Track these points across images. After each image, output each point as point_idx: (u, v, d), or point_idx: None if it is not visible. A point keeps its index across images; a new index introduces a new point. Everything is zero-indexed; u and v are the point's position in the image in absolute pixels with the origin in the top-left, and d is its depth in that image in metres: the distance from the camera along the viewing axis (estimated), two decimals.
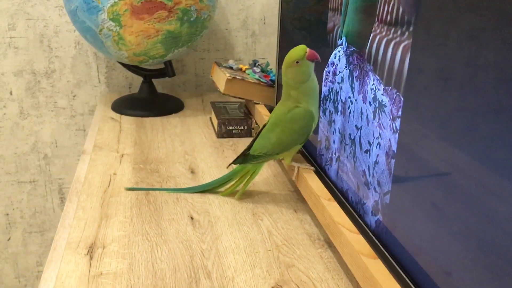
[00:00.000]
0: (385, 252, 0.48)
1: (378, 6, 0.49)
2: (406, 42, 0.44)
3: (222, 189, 0.72)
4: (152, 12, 0.88)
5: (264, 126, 0.67)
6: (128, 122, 0.99)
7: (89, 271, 0.53)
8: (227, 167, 0.73)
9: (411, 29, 0.43)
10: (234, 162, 0.68)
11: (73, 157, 1.22)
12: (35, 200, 1.23)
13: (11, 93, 1.15)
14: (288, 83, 0.62)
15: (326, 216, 0.57)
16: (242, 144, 0.91)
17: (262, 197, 0.72)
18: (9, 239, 1.25)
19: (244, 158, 0.68)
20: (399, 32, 0.45)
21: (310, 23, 0.72)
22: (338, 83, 0.62)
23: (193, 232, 0.62)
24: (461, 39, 0.36)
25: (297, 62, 0.60)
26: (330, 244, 0.60)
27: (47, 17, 1.11)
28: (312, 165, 0.70)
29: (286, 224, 0.65)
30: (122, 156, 0.83)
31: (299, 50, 0.60)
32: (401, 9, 0.45)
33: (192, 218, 0.65)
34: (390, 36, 0.47)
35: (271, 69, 1.02)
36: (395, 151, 0.46)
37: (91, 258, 0.55)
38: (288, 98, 0.63)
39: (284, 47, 0.86)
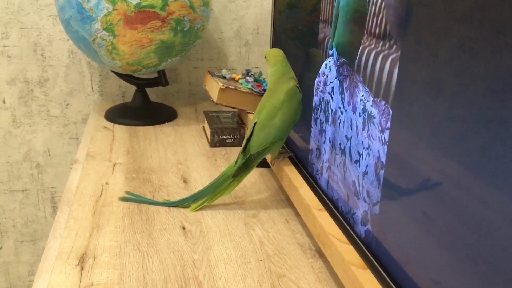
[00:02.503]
0: (375, 262, 0.48)
1: (367, 18, 0.50)
2: (394, 55, 0.44)
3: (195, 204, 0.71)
4: (146, 22, 0.89)
5: (254, 125, 0.69)
6: (121, 131, 0.99)
7: (80, 282, 0.53)
8: (234, 177, 0.69)
9: (399, 42, 0.43)
10: (237, 173, 0.68)
11: (66, 165, 1.22)
12: (27, 209, 1.23)
13: (4, 102, 1.15)
14: (290, 69, 0.72)
15: (317, 226, 0.57)
16: (235, 153, 0.91)
17: (254, 206, 0.72)
18: (0, 248, 1.24)
19: (245, 163, 0.68)
20: (387, 45, 0.46)
21: (302, 33, 0.73)
22: (329, 93, 0.62)
23: (185, 242, 0.62)
24: (449, 52, 0.37)
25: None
26: (321, 254, 0.61)
27: (41, 26, 1.11)
28: (304, 173, 0.70)
29: (277, 234, 0.65)
30: (114, 165, 0.83)
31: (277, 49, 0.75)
32: (389, 23, 0.45)
33: (184, 228, 0.65)
34: (379, 48, 0.47)
35: (264, 79, 1.03)
36: (384, 163, 0.47)
37: (82, 268, 0.55)
38: (285, 83, 0.70)
39: None
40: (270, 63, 0.73)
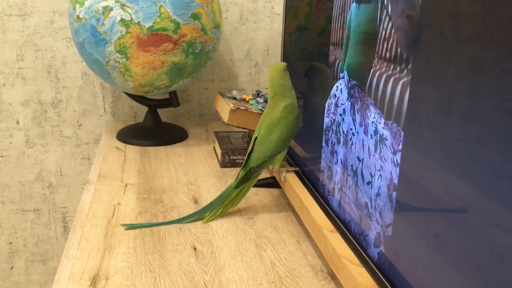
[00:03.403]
0: (388, 286, 0.48)
1: (378, 42, 0.50)
2: (405, 79, 0.45)
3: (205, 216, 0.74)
4: (158, 44, 0.90)
5: (255, 140, 0.74)
6: (132, 151, 1.00)
7: None
8: (235, 188, 0.73)
9: (410, 66, 0.44)
10: (238, 185, 0.73)
11: (77, 185, 1.23)
12: (38, 228, 1.23)
13: (17, 123, 1.16)
14: (286, 86, 0.75)
15: (329, 248, 0.57)
16: None
17: (265, 227, 0.72)
18: (11, 268, 1.25)
19: (245, 175, 0.73)
20: (398, 69, 0.46)
21: (312, 55, 0.74)
22: (340, 115, 0.63)
23: (196, 263, 0.62)
24: (460, 77, 0.37)
25: (287, 68, 0.76)
26: (333, 277, 0.60)
27: (55, 49, 1.14)
28: (313, 193, 0.70)
29: (289, 255, 0.65)
30: (126, 186, 0.83)
31: (281, 62, 0.77)
32: (400, 47, 0.46)
33: (195, 248, 0.65)
34: (390, 72, 0.48)
35: None
36: (397, 184, 0.47)
37: None
38: (282, 100, 0.74)
39: None
40: (272, 77, 0.76)
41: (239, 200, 0.75)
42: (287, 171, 0.78)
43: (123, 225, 0.70)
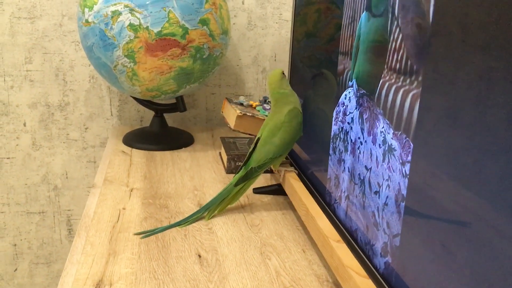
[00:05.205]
0: None
1: (388, 53, 0.50)
2: (415, 90, 0.44)
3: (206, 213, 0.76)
4: (166, 49, 0.90)
5: (257, 141, 0.76)
6: (138, 155, 1.00)
7: None
8: (235, 186, 0.75)
9: (420, 78, 0.43)
10: (237, 183, 0.75)
11: (83, 188, 1.23)
12: (43, 231, 1.23)
13: (24, 125, 1.17)
14: (286, 94, 0.77)
15: (335, 259, 0.56)
16: None
17: (271, 235, 0.71)
18: (15, 270, 1.25)
19: (245, 175, 0.75)
20: (408, 80, 0.46)
21: (320, 62, 0.74)
22: (348, 123, 0.62)
23: (201, 270, 0.61)
24: (471, 89, 0.37)
25: (283, 74, 0.78)
26: (338, 287, 0.60)
27: (63, 52, 1.14)
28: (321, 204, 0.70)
29: (294, 264, 0.64)
30: (131, 191, 0.83)
31: (277, 69, 0.79)
32: (410, 57, 0.45)
33: (199, 256, 0.65)
34: (400, 83, 0.47)
35: None
36: (405, 195, 0.46)
37: None
38: (286, 105, 0.76)
39: (294, 84, 0.87)
40: (271, 88, 0.78)
41: (238, 197, 0.77)
42: (286, 170, 0.80)
43: (138, 233, 0.69)
